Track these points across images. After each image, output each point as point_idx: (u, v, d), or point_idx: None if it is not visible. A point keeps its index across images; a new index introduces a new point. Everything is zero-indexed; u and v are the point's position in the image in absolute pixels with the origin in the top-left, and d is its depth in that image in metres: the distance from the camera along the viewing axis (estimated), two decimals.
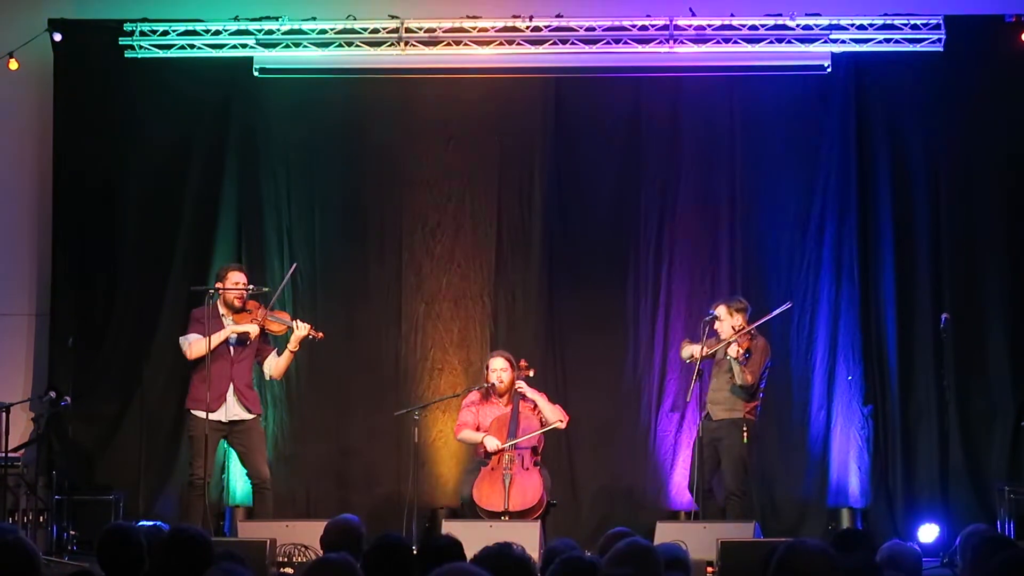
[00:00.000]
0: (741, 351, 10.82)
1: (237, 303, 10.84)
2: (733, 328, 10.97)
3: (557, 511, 11.25)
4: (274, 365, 10.93)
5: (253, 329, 10.74)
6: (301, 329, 10.74)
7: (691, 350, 11.07)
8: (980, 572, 5.41)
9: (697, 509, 10.89)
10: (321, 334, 10.87)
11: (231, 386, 10.76)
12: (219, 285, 10.91)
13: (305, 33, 12.38)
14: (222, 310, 10.88)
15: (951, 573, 10.00)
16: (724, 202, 12.46)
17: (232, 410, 10.77)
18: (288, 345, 10.81)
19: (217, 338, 10.71)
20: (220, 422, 10.76)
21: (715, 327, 11.05)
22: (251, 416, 10.84)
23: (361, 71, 12.54)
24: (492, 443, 10.89)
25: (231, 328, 10.77)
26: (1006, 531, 10.97)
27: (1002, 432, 11.98)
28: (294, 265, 11.48)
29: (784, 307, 11.12)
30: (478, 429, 11.10)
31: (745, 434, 10.84)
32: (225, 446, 11.13)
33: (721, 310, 11.09)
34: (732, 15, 12.21)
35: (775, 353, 11.42)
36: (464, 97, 12.61)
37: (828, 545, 5.29)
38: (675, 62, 12.37)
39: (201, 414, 10.62)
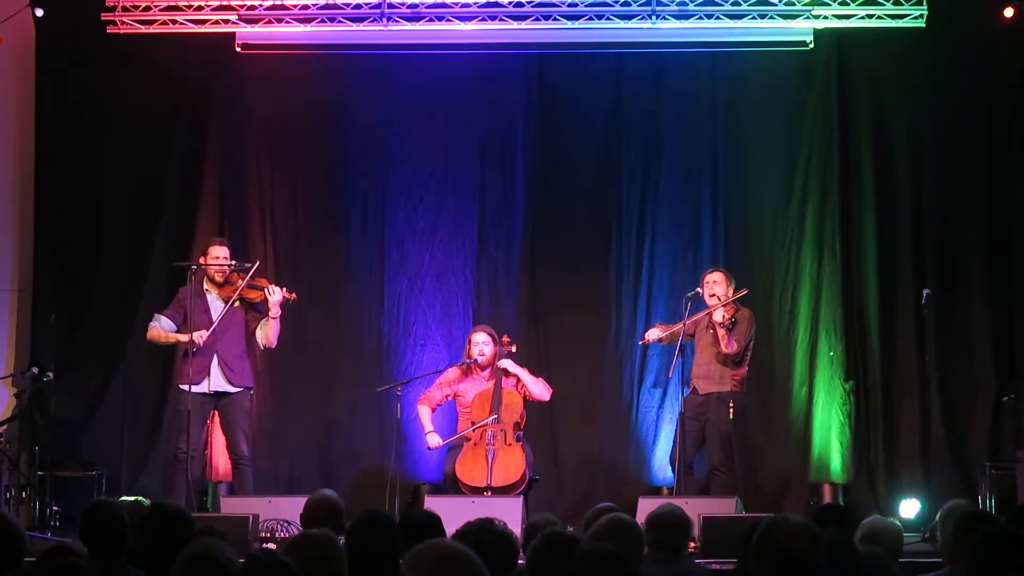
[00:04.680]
0: (727, 316, 10.85)
1: (219, 278, 10.85)
2: (718, 298, 10.98)
3: (539, 486, 11.27)
4: (264, 334, 10.93)
5: (198, 336, 10.68)
6: (275, 294, 10.73)
7: (654, 334, 11.16)
8: (961, 547, 5.43)
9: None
10: (295, 295, 10.84)
11: (215, 358, 10.77)
12: (202, 260, 10.92)
13: (287, 8, 12.33)
14: (206, 285, 10.90)
15: (932, 548, 10.01)
16: (706, 178, 12.47)
17: (216, 382, 10.79)
18: (269, 312, 10.81)
19: (168, 338, 10.91)
20: (205, 394, 10.77)
21: (704, 298, 11.04)
22: (236, 389, 10.85)
23: (344, 47, 12.51)
24: (433, 440, 11.17)
25: (173, 336, 10.87)
26: (987, 506, 11.02)
27: (984, 407, 12.01)
28: (256, 263, 11.22)
29: (741, 292, 11.11)
30: (441, 403, 11.34)
31: (731, 410, 10.85)
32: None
33: (719, 275, 11.10)
34: None
35: (758, 329, 11.44)
36: (446, 73, 12.58)
37: (810, 520, 5.31)
38: (657, 38, 12.34)
39: (186, 387, 10.65)
